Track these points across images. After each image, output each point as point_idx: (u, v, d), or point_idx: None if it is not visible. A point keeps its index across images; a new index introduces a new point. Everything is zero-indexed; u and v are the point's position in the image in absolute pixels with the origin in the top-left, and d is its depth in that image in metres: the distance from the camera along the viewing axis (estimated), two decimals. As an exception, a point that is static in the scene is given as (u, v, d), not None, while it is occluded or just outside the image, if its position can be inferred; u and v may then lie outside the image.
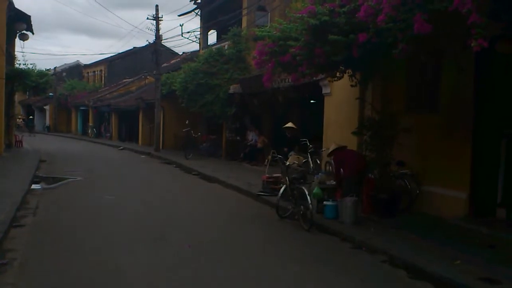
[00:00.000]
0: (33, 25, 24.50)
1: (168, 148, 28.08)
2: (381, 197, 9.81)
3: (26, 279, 6.22)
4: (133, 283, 6.16)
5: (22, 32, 24.15)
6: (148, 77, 37.80)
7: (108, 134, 40.49)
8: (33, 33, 24.95)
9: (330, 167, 13.41)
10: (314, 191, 10.05)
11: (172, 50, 39.62)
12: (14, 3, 21.87)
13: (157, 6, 27.95)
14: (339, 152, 10.35)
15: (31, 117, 49.70)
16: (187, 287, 6.12)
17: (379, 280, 6.60)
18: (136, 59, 46.58)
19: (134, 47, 48.97)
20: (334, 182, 10.49)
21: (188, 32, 29.47)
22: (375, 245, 7.90)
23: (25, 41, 24.92)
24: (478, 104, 9.31)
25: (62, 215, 10.35)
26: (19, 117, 45.97)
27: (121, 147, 31.35)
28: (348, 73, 10.50)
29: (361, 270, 6.98)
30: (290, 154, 11.97)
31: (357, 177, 9.99)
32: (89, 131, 44.25)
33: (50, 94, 44.33)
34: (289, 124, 13.57)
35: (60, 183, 14.97)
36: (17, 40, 25.62)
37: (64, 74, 55.70)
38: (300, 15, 8.83)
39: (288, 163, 10.26)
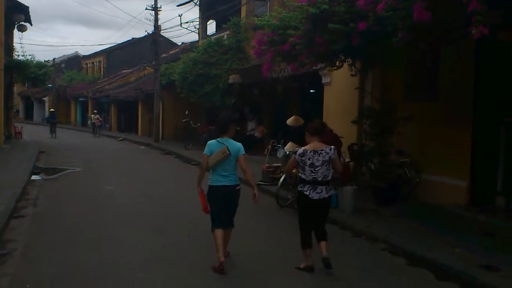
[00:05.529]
0: (31, 16, 24.44)
1: (167, 138, 28.09)
2: (381, 186, 9.83)
3: (26, 269, 6.24)
4: (131, 273, 6.17)
5: (21, 23, 24.09)
6: (147, 67, 37.65)
7: (108, 125, 40.46)
8: (31, 24, 24.90)
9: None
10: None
11: (171, 41, 39.50)
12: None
13: (156, -4, 27.85)
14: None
15: (52, 110, 37.61)
16: (186, 278, 6.11)
17: (379, 268, 6.62)
18: (135, 50, 46.42)
19: (133, 38, 48.81)
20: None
21: (187, 22, 29.42)
22: (375, 233, 7.94)
23: (24, 32, 24.90)
24: (478, 92, 9.30)
25: (62, 205, 10.37)
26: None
27: (121, 138, 31.34)
28: (347, 62, 10.48)
29: (361, 258, 7.01)
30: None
31: None
32: (89, 122, 44.14)
33: (49, 85, 44.03)
34: (294, 122, 12.91)
35: (59, 174, 14.99)
36: (15, 31, 25.55)
37: (63, 65, 55.45)
38: (300, 4, 8.80)
39: (286, 150, 10.24)
